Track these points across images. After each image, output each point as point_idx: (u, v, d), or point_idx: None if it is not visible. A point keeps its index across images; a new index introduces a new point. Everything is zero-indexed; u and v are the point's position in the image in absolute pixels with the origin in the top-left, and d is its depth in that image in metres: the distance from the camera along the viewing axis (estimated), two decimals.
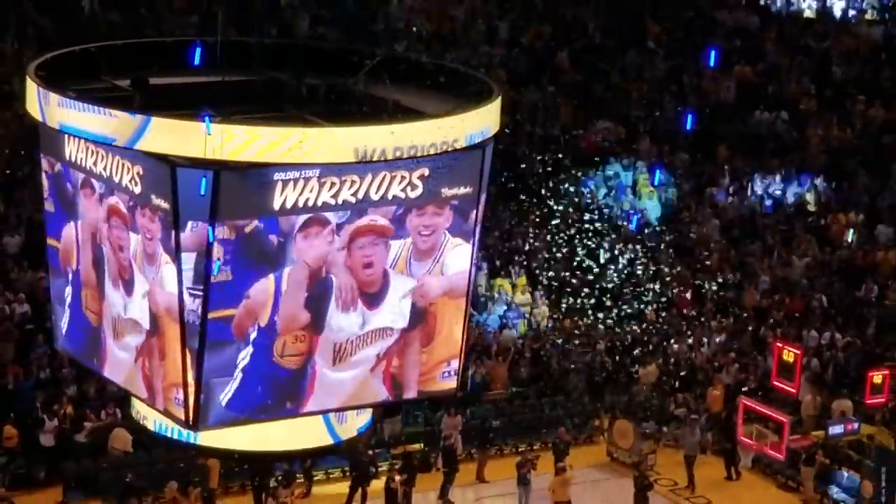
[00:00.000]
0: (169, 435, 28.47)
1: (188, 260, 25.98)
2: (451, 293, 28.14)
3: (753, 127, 53.02)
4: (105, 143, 26.32)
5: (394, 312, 27.46)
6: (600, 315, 47.13)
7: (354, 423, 29.84)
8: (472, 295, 29.64)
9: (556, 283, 47.45)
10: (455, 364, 29.24)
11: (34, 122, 28.22)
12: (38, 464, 38.29)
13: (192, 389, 26.67)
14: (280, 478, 37.99)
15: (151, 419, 29.02)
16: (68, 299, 29.58)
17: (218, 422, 27.19)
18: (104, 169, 27.70)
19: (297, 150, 25.41)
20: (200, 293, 25.85)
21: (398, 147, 25.83)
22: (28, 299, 40.63)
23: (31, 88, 27.81)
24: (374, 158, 25.80)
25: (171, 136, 25.63)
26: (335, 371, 27.38)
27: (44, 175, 29.55)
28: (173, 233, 26.14)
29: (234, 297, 26.18)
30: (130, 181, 27.15)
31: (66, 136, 28.02)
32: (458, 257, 28.06)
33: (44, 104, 26.79)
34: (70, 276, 29.32)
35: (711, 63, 53.82)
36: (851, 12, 57.27)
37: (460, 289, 28.36)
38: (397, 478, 38.33)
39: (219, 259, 25.93)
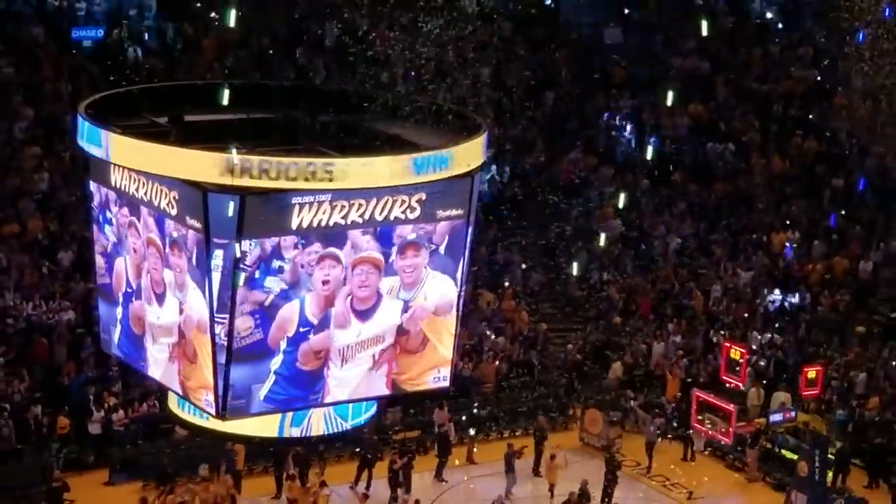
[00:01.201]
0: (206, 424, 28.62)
1: (215, 284, 26.19)
2: (438, 312, 28.34)
3: (705, 156, 52.87)
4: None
5: (384, 324, 27.74)
6: (574, 320, 47.06)
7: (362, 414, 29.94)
8: (463, 308, 29.62)
9: (536, 293, 47.36)
10: (445, 371, 29.31)
11: (85, 154, 28.16)
12: (88, 449, 38.25)
13: (220, 393, 26.91)
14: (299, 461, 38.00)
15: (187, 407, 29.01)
16: (119, 317, 29.59)
17: (259, 412, 27.43)
18: (145, 194, 27.65)
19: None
20: (225, 321, 26.17)
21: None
22: (78, 308, 40.52)
23: (90, 128, 27.81)
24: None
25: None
26: (343, 370, 27.50)
27: (93, 199, 29.52)
28: (204, 249, 26.16)
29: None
30: (168, 204, 27.11)
31: (113, 165, 27.97)
32: (443, 286, 28.26)
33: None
34: (121, 299, 29.35)
35: (668, 102, 53.77)
36: (790, 56, 57.16)
37: (447, 309, 28.50)
38: (399, 460, 38.37)
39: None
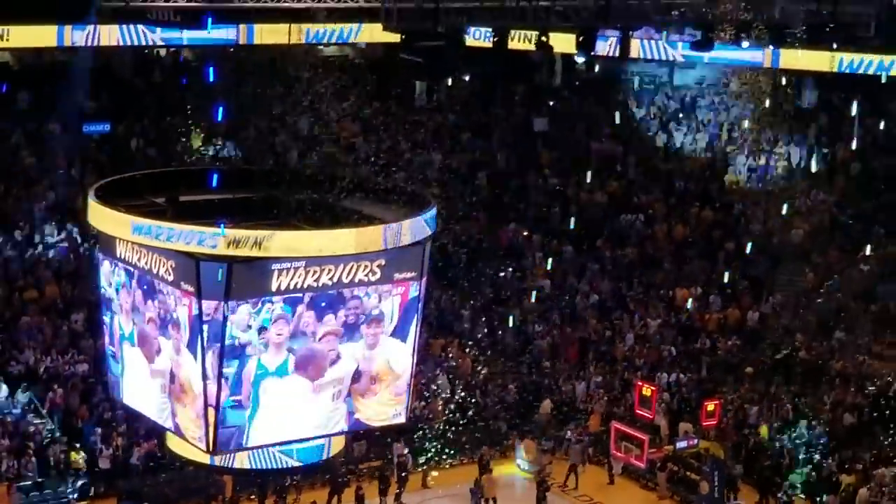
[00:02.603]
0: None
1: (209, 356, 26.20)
2: (393, 365, 28.55)
3: (621, 226, 52.90)
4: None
5: (345, 371, 27.95)
6: (510, 365, 46.92)
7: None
8: (417, 357, 29.67)
9: (478, 342, 47.20)
10: (401, 408, 29.32)
11: (94, 230, 28.08)
12: (99, 481, 37.89)
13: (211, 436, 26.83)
14: (278, 488, 37.73)
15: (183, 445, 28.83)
16: (122, 368, 29.57)
17: (250, 447, 27.63)
18: (145, 264, 27.55)
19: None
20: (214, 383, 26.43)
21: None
22: (89, 360, 40.29)
23: (94, 206, 27.71)
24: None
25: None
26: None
27: (101, 270, 29.42)
28: (197, 309, 26.07)
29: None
30: (165, 272, 27.01)
31: (118, 239, 27.86)
32: (397, 350, 28.56)
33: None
34: (121, 352, 29.35)
35: (588, 180, 53.87)
36: (689, 141, 57.30)
37: (401, 364, 28.54)
38: (365, 484, 38.16)
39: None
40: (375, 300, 27.89)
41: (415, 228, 27.89)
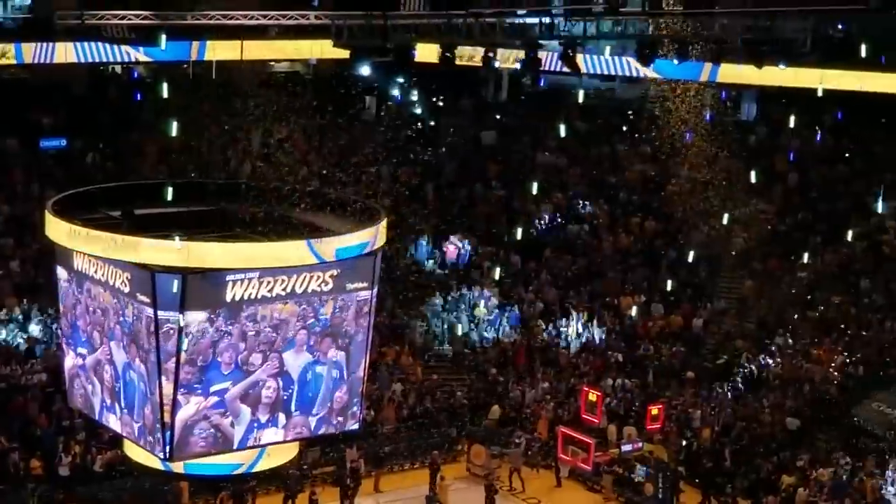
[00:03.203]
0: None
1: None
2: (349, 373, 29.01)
3: (566, 236, 53.18)
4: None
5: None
6: (460, 372, 47.09)
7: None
8: (369, 366, 29.90)
9: (427, 351, 47.37)
10: (354, 415, 29.58)
11: (51, 244, 28.11)
12: (58, 488, 37.75)
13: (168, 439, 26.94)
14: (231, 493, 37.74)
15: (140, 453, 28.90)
16: (79, 374, 29.61)
17: (203, 453, 27.66)
18: (102, 276, 27.60)
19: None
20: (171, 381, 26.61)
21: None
22: (47, 369, 40.16)
23: (52, 220, 27.76)
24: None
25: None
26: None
27: (59, 281, 29.47)
28: (154, 324, 26.23)
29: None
30: (122, 283, 27.08)
31: (75, 252, 27.91)
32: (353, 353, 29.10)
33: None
34: (80, 361, 29.37)
35: (534, 191, 54.13)
36: (632, 153, 57.60)
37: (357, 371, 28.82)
38: (318, 490, 38.26)
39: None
40: (328, 310, 28.10)
41: (365, 239, 28.17)
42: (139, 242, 26.37)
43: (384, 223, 29.19)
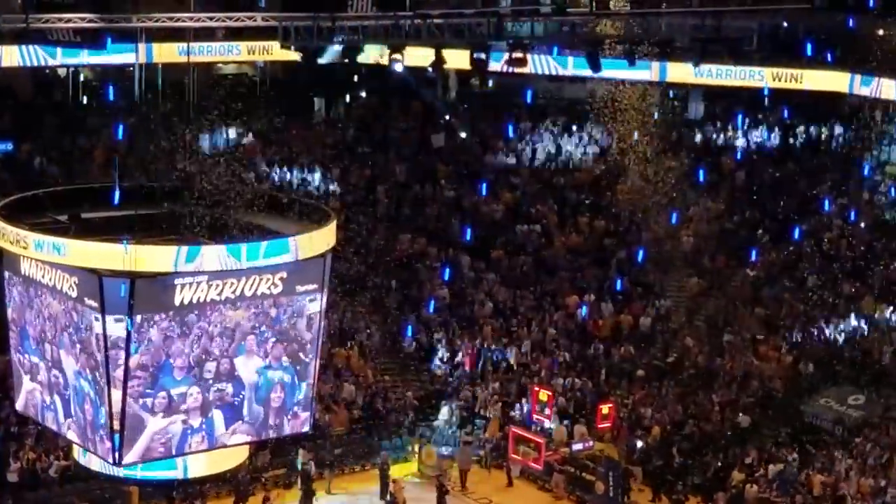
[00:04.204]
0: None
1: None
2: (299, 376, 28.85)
3: (515, 236, 53.26)
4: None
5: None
6: (410, 373, 47.12)
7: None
8: (319, 367, 29.86)
9: (378, 351, 47.38)
10: (305, 417, 29.54)
11: None
12: (6, 495, 37.50)
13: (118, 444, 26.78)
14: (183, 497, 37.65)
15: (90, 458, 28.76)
16: (28, 380, 29.44)
17: (152, 458, 27.56)
18: (49, 280, 27.44)
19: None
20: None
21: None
22: None
23: (2, 225, 27.61)
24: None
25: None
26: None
27: (6, 285, 29.28)
28: (102, 328, 26.09)
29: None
30: (69, 288, 26.93)
31: (22, 256, 27.73)
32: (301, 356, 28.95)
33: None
34: (28, 366, 29.20)
35: (484, 192, 54.24)
36: (580, 153, 57.77)
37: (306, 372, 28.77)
38: (274, 492, 38.44)
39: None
40: (279, 313, 28.06)
41: (312, 242, 28.11)
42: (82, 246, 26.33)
43: (333, 225, 29.13)
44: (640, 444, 42.26)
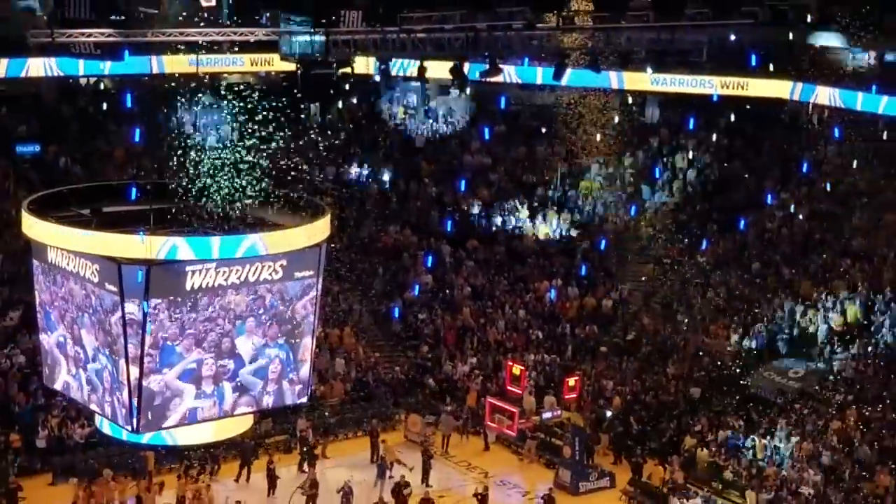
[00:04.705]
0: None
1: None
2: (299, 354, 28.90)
3: (491, 227, 53.25)
4: None
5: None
6: (397, 350, 47.18)
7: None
8: (315, 345, 29.91)
9: (368, 330, 47.44)
10: (304, 389, 29.60)
11: (27, 239, 27.98)
12: (36, 458, 37.60)
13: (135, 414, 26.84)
14: (193, 463, 37.67)
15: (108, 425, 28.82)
16: (56, 356, 29.45)
17: (168, 426, 27.60)
18: (73, 268, 27.46)
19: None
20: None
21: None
22: (25, 353, 39.93)
23: (27, 217, 27.61)
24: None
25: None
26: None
27: (35, 272, 29.29)
28: (121, 310, 26.14)
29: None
30: (91, 274, 26.94)
31: (49, 246, 27.77)
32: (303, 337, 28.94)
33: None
34: (55, 344, 29.19)
35: (462, 188, 54.30)
36: (549, 152, 57.75)
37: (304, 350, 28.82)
38: (276, 456, 38.44)
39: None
40: (277, 297, 28.12)
41: (310, 233, 28.18)
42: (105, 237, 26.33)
43: (328, 218, 29.22)
44: (609, 413, 42.39)
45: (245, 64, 48.94)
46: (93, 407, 28.83)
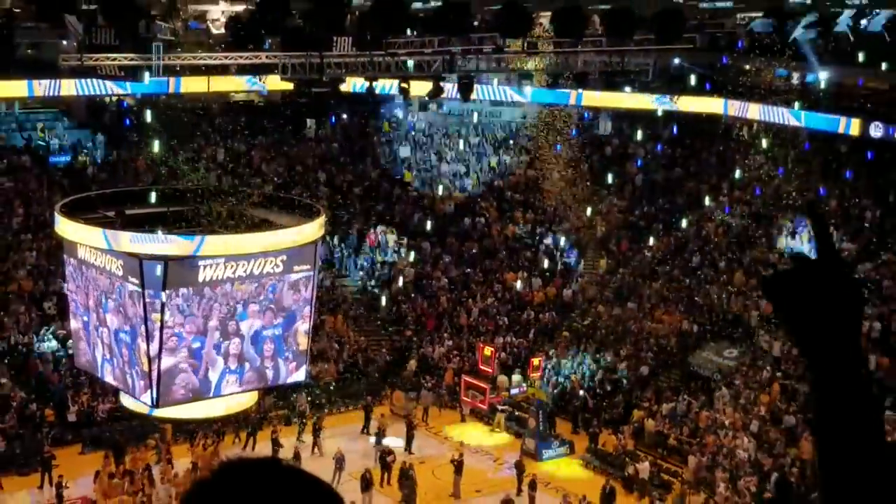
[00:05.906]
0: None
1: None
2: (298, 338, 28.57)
3: (465, 226, 53.30)
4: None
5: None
6: (384, 334, 47.12)
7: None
8: (312, 329, 29.84)
9: (359, 317, 47.36)
10: (302, 369, 29.59)
11: (59, 238, 27.87)
12: (67, 431, 37.43)
13: (154, 390, 26.75)
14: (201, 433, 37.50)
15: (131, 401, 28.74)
16: (84, 340, 29.34)
17: (181, 401, 27.25)
18: (100, 263, 27.43)
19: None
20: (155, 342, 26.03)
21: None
22: (58, 338, 39.74)
23: (60, 219, 27.53)
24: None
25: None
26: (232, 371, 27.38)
27: (67, 267, 29.24)
28: (142, 299, 26.08)
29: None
30: (116, 269, 26.93)
31: (78, 244, 27.72)
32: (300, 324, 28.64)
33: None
34: (83, 329, 29.10)
35: (440, 192, 54.20)
36: (516, 162, 57.77)
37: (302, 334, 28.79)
38: (279, 428, 38.38)
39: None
40: (276, 288, 28.12)
41: (308, 231, 28.19)
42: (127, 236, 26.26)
43: (323, 217, 29.25)
44: (568, 388, 42.44)
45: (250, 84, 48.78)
46: (117, 384, 28.82)
